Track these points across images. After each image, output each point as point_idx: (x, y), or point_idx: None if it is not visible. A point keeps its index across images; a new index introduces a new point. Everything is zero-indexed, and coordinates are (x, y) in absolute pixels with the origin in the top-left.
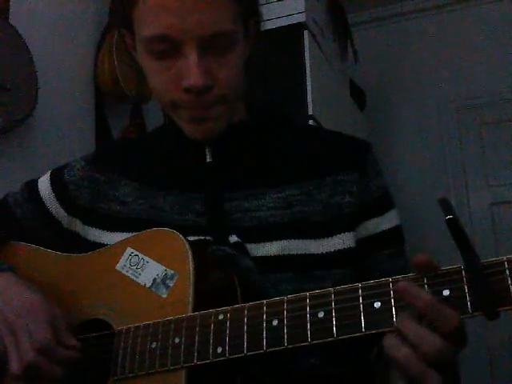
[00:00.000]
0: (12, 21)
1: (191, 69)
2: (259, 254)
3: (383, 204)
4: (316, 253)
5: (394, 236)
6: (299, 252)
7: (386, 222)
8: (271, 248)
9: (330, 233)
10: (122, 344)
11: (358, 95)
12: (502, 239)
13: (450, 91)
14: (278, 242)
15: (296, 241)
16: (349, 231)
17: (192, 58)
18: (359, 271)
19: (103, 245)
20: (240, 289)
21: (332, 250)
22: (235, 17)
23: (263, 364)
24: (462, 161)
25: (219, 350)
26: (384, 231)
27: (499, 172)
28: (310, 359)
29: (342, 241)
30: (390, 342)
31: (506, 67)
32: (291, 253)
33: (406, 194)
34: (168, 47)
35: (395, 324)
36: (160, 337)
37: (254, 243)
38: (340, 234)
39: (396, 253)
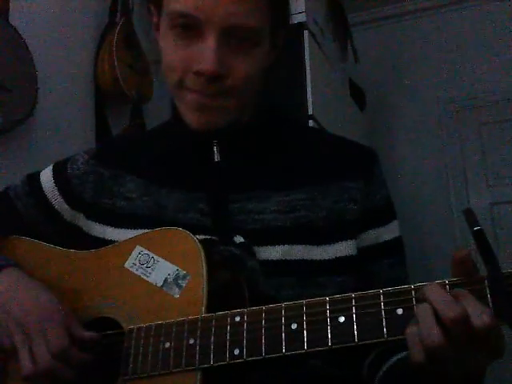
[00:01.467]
0: (12, 21)
1: (207, 53)
2: (261, 258)
3: (386, 214)
4: (318, 259)
5: (395, 247)
6: (301, 257)
7: (388, 232)
8: (273, 252)
9: (332, 239)
10: (133, 343)
11: (358, 95)
12: (502, 239)
13: (450, 91)
14: (279, 246)
15: (298, 246)
16: (351, 239)
17: (210, 42)
18: (359, 279)
19: (106, 240)
20: (247, 290)
21: (333, 257)
22: (264, 19)
23: (264, 365)
24: (462, 161)
25: (236, 351)
26: (385, 241)
27: (499, 172)
28: (312, 360)
29: (343, 248)
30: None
31: (506, 67)
32: (293, 258)
33: (405, 194)
34: (189, 25)
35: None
36: (173, 337)
37: (257, 246)
38: (342, 241)
39: (396, 263)
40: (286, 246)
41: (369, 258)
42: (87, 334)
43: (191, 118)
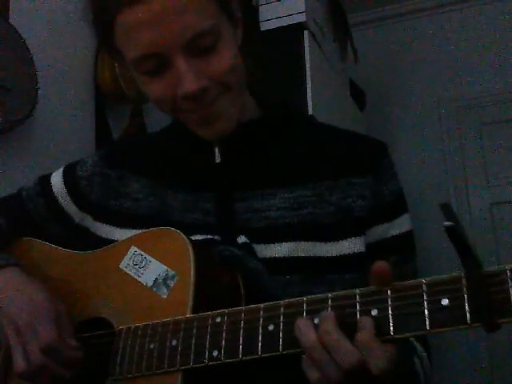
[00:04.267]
0: (12, 21)
1: (182, 77)
2: (268, 256)
3: (395, 209)
4: (325, 256)
5: (403, 242)
6: (308, 254)
7: (396, 227)
8: (280, 249)
9: (339, 236)
10: (121, 344)
11: (358, 95)
12: (501, 239)
13: (450, 91)
14: (286, 243)
15: (305, 243)
16: (359, 235)
17: (180, 66)
18: (367, 276)
19: (113, 241)
20: (244, 290)
21: (341, 254)
22: (212, 11)
23: (259, 367)
24: (462, 161)
25: (215, 353)
26: (393, 237)
27: (499, 172)
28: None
29: (351, 245)
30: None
31: (506, 67)
32: (300, 255)
33: (405, 194)
34: (155, 64)
35: (391, 333)
36: (158, 338)
37: (263, 244)
38: (350, 237)
39: (404, 259)
40: (293, 243)
41: (376, 253)
42: (74, 342)
43: (202, 132)
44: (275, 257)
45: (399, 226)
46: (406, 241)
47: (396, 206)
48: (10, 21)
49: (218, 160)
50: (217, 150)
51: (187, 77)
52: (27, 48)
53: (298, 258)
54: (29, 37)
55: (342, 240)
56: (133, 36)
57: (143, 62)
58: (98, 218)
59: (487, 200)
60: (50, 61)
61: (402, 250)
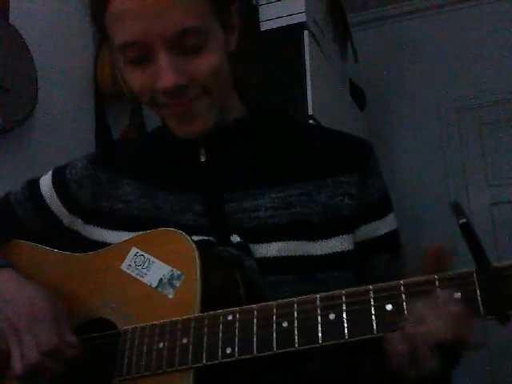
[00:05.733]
0: (12, 21)
1: (162, 72)
2: (258, 256)
3: (382, 208)
4: (315, 254)
5: (391, 240)
6: (298, 253)
7: (384, 226)
8: (270, 249)
9: (328, 235)
10: (128, 344)
11: (357, 95)
12: (502, 239)
13: (450, 91)
14: (276, 243)
15: (295, 242)
16: (347, 234)
17: (162, 60)
18: (359, 274)
19: (105, 243)
20: (243, 290)
21: (330, 252)
22: (203, 13)
23: (268, 366)
24: (462, 161)
25: (228, 350)
26: (382, 235)
27: (499, 172)
28: (313, 363)
29: (340, 243)
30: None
31: (506, 67)
32: (290, 254)
33: (405, 194)
34: (140, 53)
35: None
36: (167, 337)
37: (253, 244)
38: (338, 236)
39: (392, 257)
40: (282, 243)
41: (365, 252)
42: (73, 339)
43: (177, 130)
44: (265, 257)
45: (387, 224)
46: (394, 239)
47: (383, 204)
48: (10, 21)
49: (202, 159)
50: (201, 149)
51: (166, 72)
52: (27, 48)
53: (288, 257)
54: (29, 37)
55: (331, 238)
56: (121, 23)
57: (128, 50)
58: (90, 220)
59: (487, 200)
60: (50, 61)
61: (391, 247)
